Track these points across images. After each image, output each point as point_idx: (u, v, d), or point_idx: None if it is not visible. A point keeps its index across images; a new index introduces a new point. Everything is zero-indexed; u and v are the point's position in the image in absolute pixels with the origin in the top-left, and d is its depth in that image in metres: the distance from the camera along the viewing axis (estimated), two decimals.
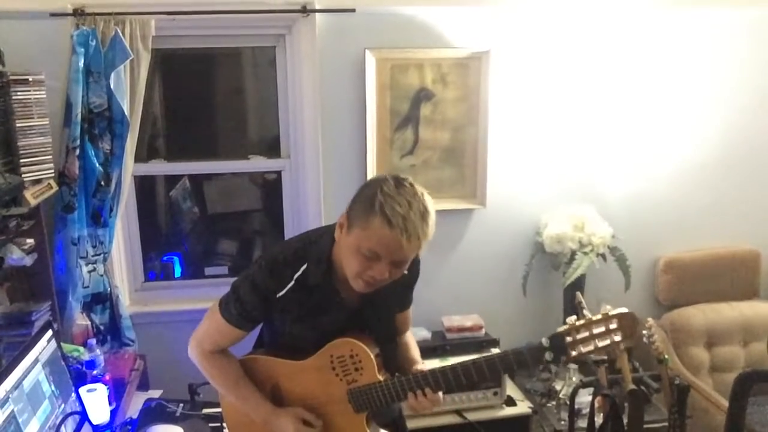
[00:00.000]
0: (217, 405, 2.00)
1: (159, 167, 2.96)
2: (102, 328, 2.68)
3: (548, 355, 1.45)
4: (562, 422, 2.63)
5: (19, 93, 2.20)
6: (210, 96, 3.12)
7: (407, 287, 1.75)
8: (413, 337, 1.86)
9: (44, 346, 1.95)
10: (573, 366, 2.74)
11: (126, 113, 2.52)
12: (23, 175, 2.23)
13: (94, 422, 2.09)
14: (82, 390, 2.10)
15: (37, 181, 2.32)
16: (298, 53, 2.77)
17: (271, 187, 3.11)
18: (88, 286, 2.64)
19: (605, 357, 2.18)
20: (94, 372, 2.23)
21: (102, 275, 2.67)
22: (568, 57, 2.92)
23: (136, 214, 2.92)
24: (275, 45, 2.84)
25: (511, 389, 2.81)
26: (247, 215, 3.35)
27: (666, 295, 3.18)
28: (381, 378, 1.62)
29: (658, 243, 3.19)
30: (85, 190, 2.56)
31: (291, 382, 1.70)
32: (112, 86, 2.47)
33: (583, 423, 2.39)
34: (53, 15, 2.47)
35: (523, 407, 2.74)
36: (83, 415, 2.06)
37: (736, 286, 3.18)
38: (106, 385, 2.15)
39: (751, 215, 3.25)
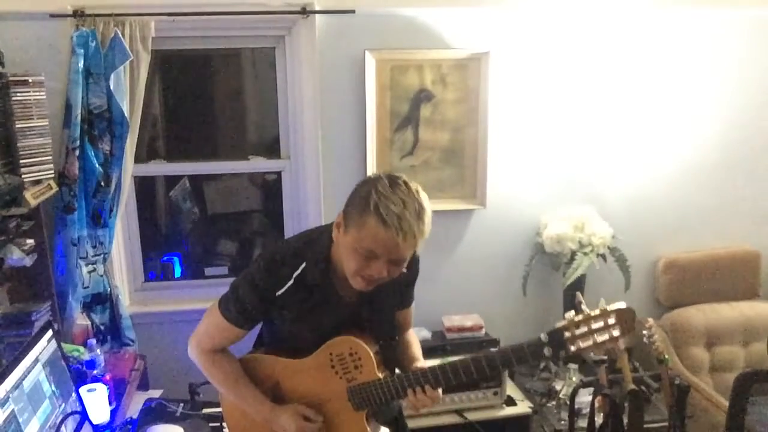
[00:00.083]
0: (218, 405, 2.01)
1: (159, 168, 2.96)
2: (102, 328, 2.69)
3: (547, 351, 1.45)
4: (562, 422, 2.63)
5: (18, 94, 2.21)
6: (210, 97, 3.12)
7: (407, 285, 1.75)
8: (415, 336, 1.86)
9: (44, 346, 1.95)
10: (573, 366, 2.74)
11: (126, 114, 2.52)
12: (23, 176, 2.23)
13: (95, 422, 2.09)
14: (83, 390, 2.10)
15: (37, 182, 2.32)
16: (297, 54, 2.78)
17: (270, 188, 3.11)
18: (88, 287, 2.65)
19: (605, 357, 2.18)
20: (95, 372, 2.23)
21: (102, 275, 2.68)
22: (568, 57, 2.92)
23: (136, 215, 2.92)
24: (275, 46, 2.85)
25: (511, 389, 2.81)
26: (247, 216, 3.35)
27: (666, 295, 3.18)
28: (380, 375, 1.62)
29: (658, 243, 3.19)
30: (85, 191, 2.57)
31: (291, 381, 1.70)
32: (111, 87, 2.47)
33: (583, 423, 2.38)
34: (53, 16, 2.48)
35: (523, 407, 2.74)
36: (83, 415, 2.06)
37: (736, 287, 3.18)
38: (106, 384, 2.15)
39: (751, 215, 3.26)
